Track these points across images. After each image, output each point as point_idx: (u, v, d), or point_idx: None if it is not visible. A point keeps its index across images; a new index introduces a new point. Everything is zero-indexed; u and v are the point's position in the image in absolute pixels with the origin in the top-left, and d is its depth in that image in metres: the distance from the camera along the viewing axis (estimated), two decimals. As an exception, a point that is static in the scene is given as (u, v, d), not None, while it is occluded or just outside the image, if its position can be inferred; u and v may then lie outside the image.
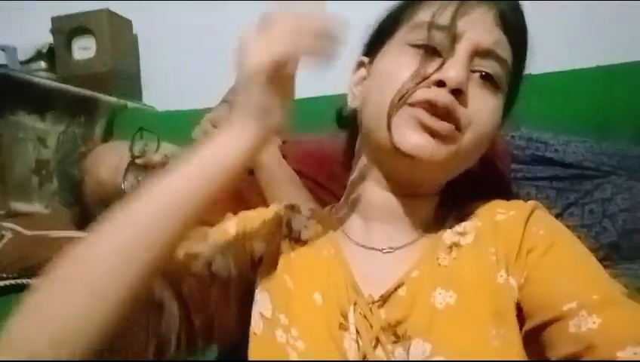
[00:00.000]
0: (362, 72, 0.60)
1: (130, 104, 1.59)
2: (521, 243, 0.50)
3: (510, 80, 0.55)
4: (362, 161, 0.59)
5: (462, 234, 0.54)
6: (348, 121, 0.62)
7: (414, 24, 0.53)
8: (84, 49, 1.58)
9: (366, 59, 0.60)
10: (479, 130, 0.51)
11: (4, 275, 0.93)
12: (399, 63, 0.52)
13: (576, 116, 1.22)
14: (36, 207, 1.21)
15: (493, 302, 0.48)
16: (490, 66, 0.52)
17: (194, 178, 0.47)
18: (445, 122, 0.50)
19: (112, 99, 1.51)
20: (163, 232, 0.45)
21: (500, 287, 0.49)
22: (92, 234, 0.44)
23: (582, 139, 1.05)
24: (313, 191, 0.93)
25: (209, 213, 0.92)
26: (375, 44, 0.58)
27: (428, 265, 0.52)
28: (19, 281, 0.91)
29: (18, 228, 1.00)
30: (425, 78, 0.51)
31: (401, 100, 0.51)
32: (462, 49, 0.51)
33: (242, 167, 0.49)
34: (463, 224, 0.55)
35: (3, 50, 1.45)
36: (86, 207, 1.00)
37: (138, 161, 0.98)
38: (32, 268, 0.92)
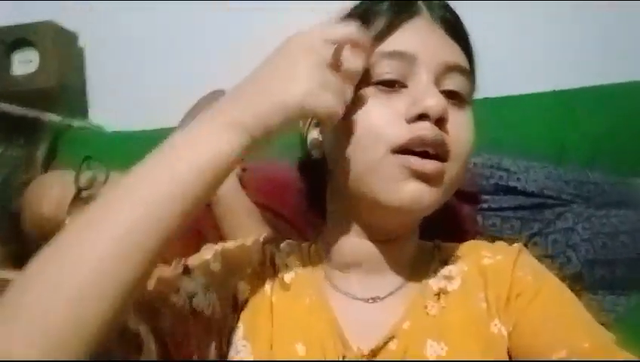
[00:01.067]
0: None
1: (76, 123, 1.49)
2: (509, 289, 0.49)
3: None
4: (337, 211, 0.55)
5: (448, 278, 0.52)
6: (312, 168, 0.59)
7: None
8: (25, 62, 1.48)
9: None
10: (463, 154, 0.50)
11: None
12: (367, 110, 0.48)
13: (532, 141, 1.24)
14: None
15: (486, 353, 0.46)
16: (456, 82, 0.50)
17: (186, 181, 0.42)
18: (434, 161, 0.47)
19: (56, 119, 1.41)
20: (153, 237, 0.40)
21: (494, 338, 0.47)
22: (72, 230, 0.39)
23: (540, 164, 1.06)
24: (274, 225, 0.88)
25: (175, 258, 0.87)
26: None
27: (417, 314, 0.50)
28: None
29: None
30: (404, 116, 0.48)
31: (388, 150, 0.47)
32: (424, 73, 0.48)
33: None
34: (449, 268, 0.53)
35: None
36: (25, 244, 0.92)
37: (84, 193, 0.90)
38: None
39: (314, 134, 0.56)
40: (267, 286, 0.53)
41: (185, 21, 1.55)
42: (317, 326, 0.50)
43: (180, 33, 1.56)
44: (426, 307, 0.50)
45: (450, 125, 0.49)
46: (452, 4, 0.55)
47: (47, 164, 1.30)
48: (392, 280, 0.53)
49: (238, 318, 0.52)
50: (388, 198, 0.48)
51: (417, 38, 0.49)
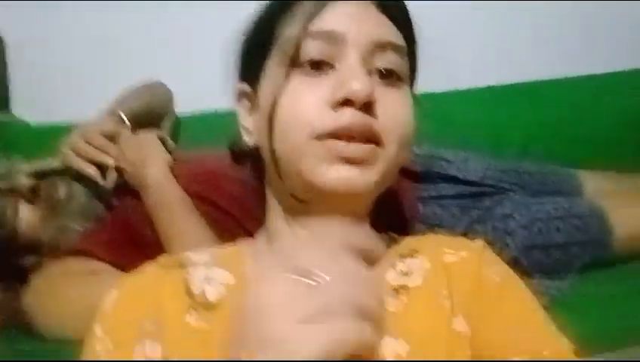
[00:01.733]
0: (246, 102, 0.53)
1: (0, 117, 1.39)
2: (474, 287, 0.47)
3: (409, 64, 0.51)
4: (274, 197, 0.52)
5: (408, 274, 0.48)
6: (245, 155, 0.55)
7: (287, 40, 0.47)
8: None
9: (247, 88, 0.52)
10: (400, 135, 0.47)
11: None
12: (292, 95, 0.46)
13: (470, 134, 1.27)
14: None
15: (450, 351, 0.44)
16: (389, 61, 0.48)
17: None
18: (362, 144, 0.45)
19: (-28, 110, 1.31)
20: None
21: (458, 336, 0.44)
22: None
23: (478, 155, 1.08)
24: (210, 215, 0.85)
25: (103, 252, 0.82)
26: (250, 70, 0.51)
27: None
28: None
29: None
30: (328, 102, 0.45)
31: (311, 137, 0.45)
32: (352, 53, 0.46)
33: None
34: (407, 262, 0.49)
35: None
36: None
37: (1, 184, 0.84)
38: None
39: (249, 122, 0.53)
40: (190, 318, 0.46)
41: (108, 16, 1.50)
42: None
43: (104, 28, 1.50)
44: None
45: (381, 107, 0.46)
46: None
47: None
48: (339, 263, 0.49)
49: None
50: (317, 181, 0.46)
51: (346, 17, 0.47)
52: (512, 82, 1.35)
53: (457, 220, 0.91)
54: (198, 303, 0.47)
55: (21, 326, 0.81)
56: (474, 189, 0.97)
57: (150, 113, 1.08)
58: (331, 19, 0.47)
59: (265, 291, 0.34)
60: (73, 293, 0.78)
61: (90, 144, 0.91)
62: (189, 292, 0.48)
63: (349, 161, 0.45)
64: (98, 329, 0.47)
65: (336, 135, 0.45)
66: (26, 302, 0.81)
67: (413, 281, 0.48)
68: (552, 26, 1.42)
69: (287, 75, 0.46)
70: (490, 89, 1.36)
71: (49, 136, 1.28)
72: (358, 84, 0.44)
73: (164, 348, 0.45)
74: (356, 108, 0.45)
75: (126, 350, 0.45)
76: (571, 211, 0.94)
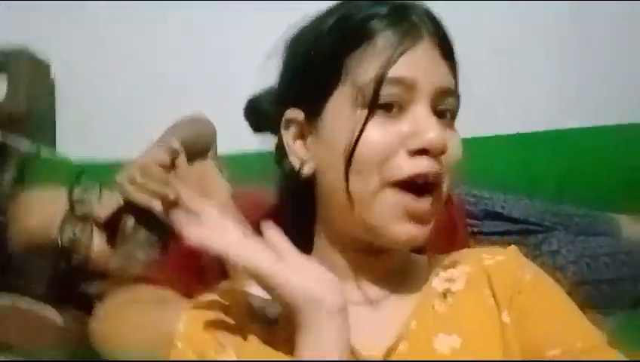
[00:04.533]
0: (295, 128, 0.53)
1: (44, 153, 1.44)
2: (512, 287, 0.51)
3: None
4: (327, 227, 0.54)
5: (451, 280, 0.53)
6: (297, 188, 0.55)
7: (362, 81, 0.48)
8: (-8, 87, 1.43)
9: (300, 115, 0.53)
10: (451, 174, 0.51)
11: None
12: (367, 135, 0.48)
13: (504, 178, 1.31)
14: None
15: (502, 342, 0.48)
16: (448, 103, 0.51)
17: None
18: (427, 198, 0.49)
19: (23, 145, 1.35)
20: None
21: (507, 327, 0.49)
22: None
23: (516, 197, 1.11)
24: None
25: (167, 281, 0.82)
26: (309, 98, 0.52)
27: (424, 313, 0.51)
28: None
29: None
30: (405, 147, 0.48)
31: (384, 183, 0.48)
32: (422, 99, 0.49)
33: None
34: (450, 271, 0.54)
35: None
36: (6, 258, 0.86)
37: (78, 210, 0.86)
38: None
39: (298, 149, 0.53)
40: (257, 331, 0.51)
41: (152, 58, 1.58)
42: None
43: (145, 74, 1.57)
44: (433, 306, 0.51)
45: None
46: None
47: (16, 189, 1.23)
48: (388, 285, 0.53)
49: None
50: (383, 234, 0.49)
51: (418, 64, 0.49)
52: (544, 130, 1.40)
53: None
54: (258, 316, 0.52)
55: (88, 351, 0.82)
56: (519, 227, 1.01)
57: (198, 144, 1.09)
58: (405, 66, 0.49)
59: None
60: (143, 320, 0.78)
61: (149, 177, 0.88)
62: (249, 309, 0.52)
63: (415, 218, 0.48)
64: (179, 345, 0.50)
65: (408, 183, 0.48)
66: (93, 327, 0.82)
67: (457, 286, 0.53)
68: (583, 75, 1.49)
69: (365, 117, 0.48)
70: (520, 136, 1.42)
71: (88, 172, 1.33)
72: (434, 134, 0.47)
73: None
74: (432, 157, 0.48)
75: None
76: (617, 247, 0.97)
